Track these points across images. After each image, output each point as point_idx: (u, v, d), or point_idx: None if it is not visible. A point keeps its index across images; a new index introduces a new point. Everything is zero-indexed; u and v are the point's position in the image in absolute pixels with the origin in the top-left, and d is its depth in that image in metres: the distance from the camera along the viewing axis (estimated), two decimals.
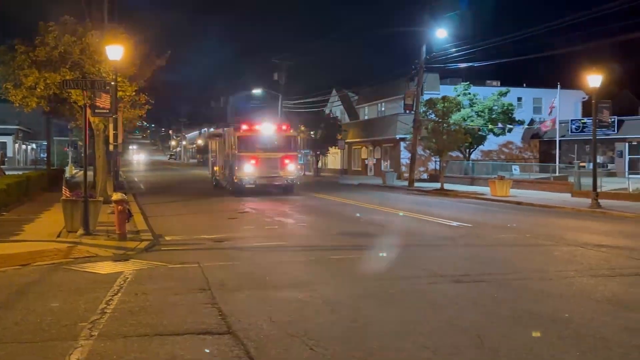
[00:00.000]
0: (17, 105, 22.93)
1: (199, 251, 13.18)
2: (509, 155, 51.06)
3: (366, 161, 58.07)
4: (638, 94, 54.26)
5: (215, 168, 36.21)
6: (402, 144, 49.05)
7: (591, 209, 22.30)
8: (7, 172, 30.72)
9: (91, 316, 7.66)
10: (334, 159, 63.76)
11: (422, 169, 47.33)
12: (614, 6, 26.66)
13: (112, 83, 17.77)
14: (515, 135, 49.43)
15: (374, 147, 56.27)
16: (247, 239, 15.04)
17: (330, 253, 13.10)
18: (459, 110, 38.70)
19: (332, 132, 55.57)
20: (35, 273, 10.52)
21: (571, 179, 31.35)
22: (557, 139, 43.06)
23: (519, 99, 50.42)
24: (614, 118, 41.57)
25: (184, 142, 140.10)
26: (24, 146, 77.22)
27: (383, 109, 57.28)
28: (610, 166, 43.89)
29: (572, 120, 46.01)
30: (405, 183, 39.24)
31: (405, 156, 47.16)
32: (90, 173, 20.55)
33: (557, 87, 43.07)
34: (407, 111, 42.83)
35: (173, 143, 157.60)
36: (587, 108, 47.10)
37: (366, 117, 61.12)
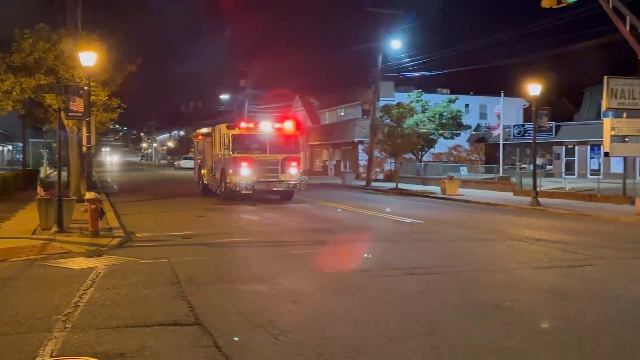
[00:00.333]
0: None
1: (168, 247, 13.00)
2: (458, 158, 51.75)
3: (327, 162, 58.17)
4: (574, 102, 55.62)
5: (202, 171, 29.36)
6: (360, 147, 49.28)
7: (531, 207, 22.71)
8: None
9: (65, 309, 7.50)
10: None
11: (378, 169, 47.61)
12: (553, 21, 27.34)
13: (86, 88, 17.42)
14: (463, 139, 50.19)
15: (334, 150, 56.41)
16: (214, 236, 14.91)
17: (292, 248, 13.08)
18: (412, 115, 39.08)
19: None
20: (11, 268, 10.25)
21: (513, 179, 31.89)
22: (501, 142, 43.97)
23: (467, 106, 51.26)
24: (552, 124, 42.56)
25: (154, 144, 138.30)
26: (0, 148, 75.08)
27: (343, 114, 57.45)
28: (548, 167, 44.87)
29: (514, 125, 46.94)
30: (363, 183, 39.39)
31: (363, 158, 47.40)
32: (64, 173, 20.11)
33: (501, 95, 43.92)
34: (365, 116, 43.11)
35: (144, 145, 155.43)
36: (528, 114, 48.03)
37: (327, 122, 61.23)
